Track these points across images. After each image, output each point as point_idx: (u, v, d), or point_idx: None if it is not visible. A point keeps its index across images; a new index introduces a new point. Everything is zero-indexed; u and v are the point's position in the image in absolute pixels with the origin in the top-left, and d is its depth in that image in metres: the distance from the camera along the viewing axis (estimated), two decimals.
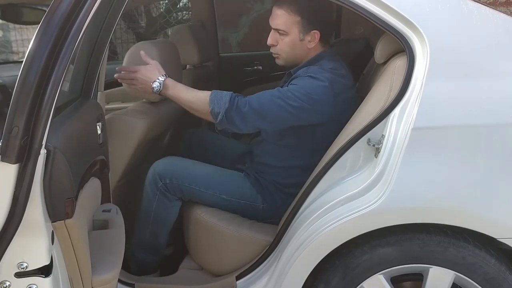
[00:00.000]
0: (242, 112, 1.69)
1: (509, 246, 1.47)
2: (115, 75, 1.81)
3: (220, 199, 1.87)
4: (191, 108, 1.78)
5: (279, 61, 1.89)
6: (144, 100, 1.99)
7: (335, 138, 1.66)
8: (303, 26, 1.78)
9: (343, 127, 1.65)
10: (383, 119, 1.47)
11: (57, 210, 1.20)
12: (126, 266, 1.86)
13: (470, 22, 1.43)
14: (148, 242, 1.91)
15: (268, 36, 1.86)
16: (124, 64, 1.87)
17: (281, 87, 1.81)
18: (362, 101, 1.64)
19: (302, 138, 1.82)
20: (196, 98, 1.76)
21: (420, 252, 1.51)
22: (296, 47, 1.82)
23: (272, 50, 1.87)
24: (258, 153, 2.01)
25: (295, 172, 1.84)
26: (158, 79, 1.75)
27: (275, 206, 1.87)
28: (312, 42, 1.81)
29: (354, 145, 1.52)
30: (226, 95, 1.71)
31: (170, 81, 1.77)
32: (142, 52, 1.80)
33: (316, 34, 1.79)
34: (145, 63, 1.79)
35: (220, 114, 1.69)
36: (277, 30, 1.82)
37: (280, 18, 1.80)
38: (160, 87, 1.75)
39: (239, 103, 1.69)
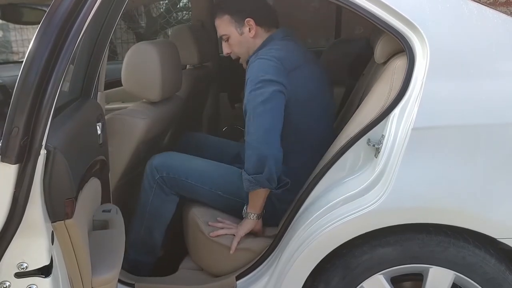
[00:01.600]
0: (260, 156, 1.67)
1: (509, 246, 1.48)
2: (211, 234, 1.80)
3: (216, 195, 1.87)
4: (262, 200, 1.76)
5: (242, 62, 1.94)
6: (144, 100, 1.99)
7: (307, 124, 1.68)
8: (235, 21, 1.84)
9: (306, 107, 1.68)
10: (383, 119, 1.48)
11: (57, 211, 1.19)
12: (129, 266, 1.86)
13: (470, 22, 1.43)
14: (143, 240, 1.90)
15: None
16: (124, 64, 1.87)
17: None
18: (361, 101, 1.64)
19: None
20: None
21: (420, 252, 1.51)
22: (242, 42, 1.87)
23: (233, 57, 1.94)
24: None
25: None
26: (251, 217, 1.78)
27: (269, 208, 1.84)
28: (251, 30, 1.85)
29: (354, 145, 1.52)
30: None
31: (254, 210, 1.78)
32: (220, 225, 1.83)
33: (249, 21, 1.84)
34: None
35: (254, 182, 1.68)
36: (221, 38, 1.91)
37: (217, 27, 1.90)
38: (244, 211, 1.79)
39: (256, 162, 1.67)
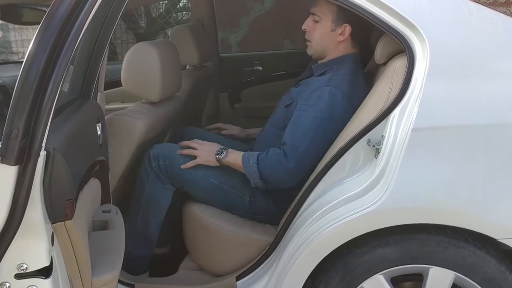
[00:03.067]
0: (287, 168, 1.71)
1: (509, 247, 1.47)
2: (177, 152, 1.89)
3: (209, 182, 1.87)
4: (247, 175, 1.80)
5: (309, 49, 1.93)
6: (143, 100, 1.99)
7: (327, 146, 1.68)
8: (337, 17, 1.81)
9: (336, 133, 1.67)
10: (383, 119, 1.48)
11: (57, 212, 1.19)
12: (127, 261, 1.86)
13: (470, 23, 1.43)
14: (140, 231, 1.89)
15: (267, 36, 1.87)
16: (124, 64, 1.88)
17: (299, 82, 1.91)
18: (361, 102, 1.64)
19: None
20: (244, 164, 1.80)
21: (420, 252, 1.51)
22: (326, 37, 1.85)
23: (306, 36, 1.91)
24: (257, 142, 2.02)
25: None
26: (221, 149, 1.86)
27: (263, 204, 1.87)
28: (342, 36, 1.83)
29: (354, 145, 1.52)
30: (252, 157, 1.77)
31: (231, 150, 1.85)
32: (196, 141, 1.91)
33: (347, 27, 1.82)
34: None
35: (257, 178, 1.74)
36: (313, 15, 1.86)
37: (319, 3, 1.84)
38: (223, 155, 1.84)
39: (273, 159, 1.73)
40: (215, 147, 1.88)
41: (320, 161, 1.70)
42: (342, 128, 1.67)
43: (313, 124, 1.71)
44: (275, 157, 1.73)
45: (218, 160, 1.84)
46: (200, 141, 1.91)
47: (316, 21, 1.85)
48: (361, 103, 1.68)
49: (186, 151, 1.88)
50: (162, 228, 1.94)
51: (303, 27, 1.89)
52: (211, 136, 2.32)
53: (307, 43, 1.92)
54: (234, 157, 1.82)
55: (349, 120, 1.66)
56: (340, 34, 1.83)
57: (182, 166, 1.86)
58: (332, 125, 1.70)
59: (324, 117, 1.71)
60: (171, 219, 1.98)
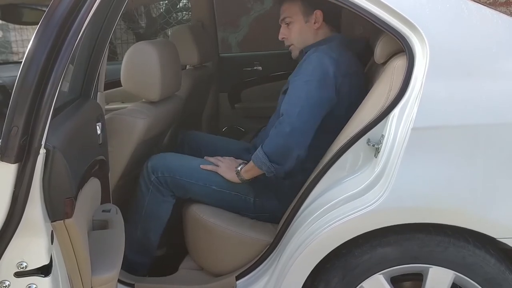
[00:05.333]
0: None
1: (509, 246, 1.47)
2: (201, 166, 1.91)
3: (211, 190, 1.87)
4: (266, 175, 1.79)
5: (294, 53, 1.97)
6: (143, 100, 1.99)
7: (333, 134, 1.67)
8: (304, 9, 1.86)
9: (341, 118, 1.68)
10: (382, 119, 1.48)
11: (57, 210, 1.20)
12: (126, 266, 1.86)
13: (469, 22, 1.43)
14: (139, 241, 1.90)
15: (267, 36, 1.89)
16: (123, 63, 1.88)
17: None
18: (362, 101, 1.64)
19: None
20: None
21: (420, 252, 1.51)
22: (304, 31, 1.90)
23: (286, 43, 1.96)
24: (260, 137, 2.02)
25: None
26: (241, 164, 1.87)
27: (268, 202, 1.87)
28: (317, 22, 1.87)
29: (354, 145, 1.52)
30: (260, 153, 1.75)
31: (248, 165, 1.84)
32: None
33: (318, 13, 1.86)
34: None
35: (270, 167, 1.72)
36: (283, 20, 1.92)
37: (284, 10, 1.91)
38: (241, 166, 1.85)
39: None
40: (234, 164, 1.89)
41: (318, 124, 1.71)
42: (333, 90, 1.71)
43: (304, 87, 1.72)
44: (272, 131, 1.74)
45: (237, 173, 1.84)
46: (221, 158, 1.94)
47: (288, 23, 1.91)
48: (349, 72, 1.74)
49: (209, 167, 1.89)
50: (162, 234, 1.95)
51: (280, 37, 1.94)
52: (216, 138, 2.32)
53: (290, 48, 1.96)
54: (248, 163, 1.82)
55: (339, 87, 1.70)
56: (314, 23, 1.87)
57: (201, 166, 1.89)
58: (323, 85, 1.71)
59: (314, 79, 1.71)
60: (170, 221, 1.98)
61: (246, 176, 1.83)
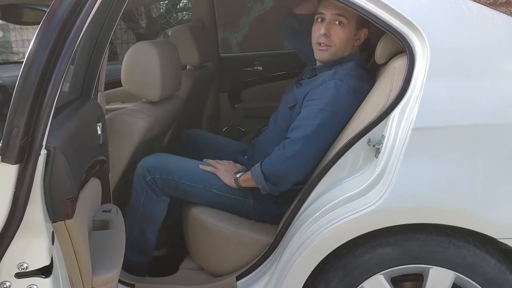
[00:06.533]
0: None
1: (509, 246, 1.47)
2: (200, 166, 1.91)
3: (211, 193, 1.86)
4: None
5: (325, 54, 1.82)
6: (144, 100, 1.99)
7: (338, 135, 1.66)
8: (360, 21, 1.77)
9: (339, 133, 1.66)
10: (383, 119, 1.48)
11: (58, 211, 1.20)
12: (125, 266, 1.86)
13: (470, 22, 1.43)
14: (137, 240, 1.90)
15: (267, 36, 1.86)
16: (123, 63, 1.88)
17: (300, 81, 1.89)
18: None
19: None
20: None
21: (420, 252, 1.51)
22: (348, 42, 1.80)
23: (322, 40, 1.80)
24: (261, 143, 2.01)
25: None
26: (240, 171, 1.88)
27: (267, 205, 1.86)
28: (360, 40, 1.82)
29: (354, 145, 1.52)
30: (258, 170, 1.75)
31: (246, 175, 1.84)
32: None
33: (366, 31, 1.81)
34: None
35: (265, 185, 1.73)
36: (337, 17, 1.76)
37: (344, 7, 1.66)
38: (240, 174, 1.85)
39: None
40: (233, 168, 1.89)
41: (323, 155, 1.69)
42: (346, 122, 1.67)
43: (317, 116, 1.68)
44: (275, 152, 1.73)
45: (235, 180, 1.84)
46: (220, 161, 1.93)
47: (341, 24, 1.77)
48: (363, 95, 1.68)
49: (209, 168, 1.89)
50: (159, 232, 1.95)
51: (324, 32, 1.77)
52: (218, 138, 2.32)
53: (324, 47, 1.81)
54: (247, 173, 1.82)
55: (354, 114, 1.65)
56: (358, 39, 1.82)
57: (201, 167, 1.89)
58: (336, 117, 1.68)
59: (328, 109, 1.68)
60: (169, 222, 1.98)
61: (243, 184, 1.83)
